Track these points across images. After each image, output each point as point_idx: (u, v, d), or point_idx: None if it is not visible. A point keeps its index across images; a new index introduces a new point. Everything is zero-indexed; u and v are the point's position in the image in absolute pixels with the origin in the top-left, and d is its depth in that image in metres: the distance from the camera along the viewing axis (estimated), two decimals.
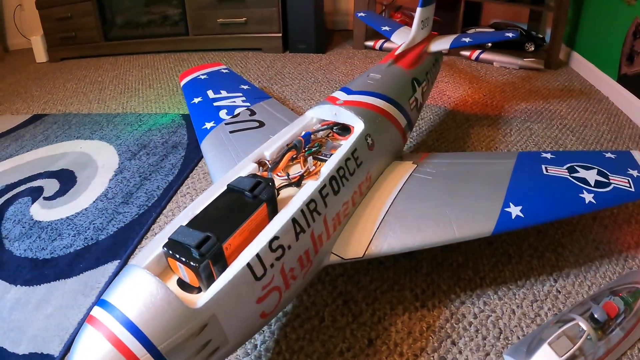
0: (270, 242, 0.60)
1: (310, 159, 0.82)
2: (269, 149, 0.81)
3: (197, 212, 0.63)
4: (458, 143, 1.40)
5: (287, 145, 0.84)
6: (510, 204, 0.81)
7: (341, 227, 0.77)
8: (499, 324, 0.84)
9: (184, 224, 0.60)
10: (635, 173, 0.88)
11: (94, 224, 1.08)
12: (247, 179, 0.66)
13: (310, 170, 0.78)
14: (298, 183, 0.75)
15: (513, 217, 0.79)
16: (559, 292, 0.89)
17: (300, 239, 0.65)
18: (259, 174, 0.74)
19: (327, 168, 0.74)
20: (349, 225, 0.78)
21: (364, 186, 0.83)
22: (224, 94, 1.20)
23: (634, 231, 1.03)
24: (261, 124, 1.10)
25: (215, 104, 1.15)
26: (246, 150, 1.00)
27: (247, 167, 0.76)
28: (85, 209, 1.13)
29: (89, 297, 0.88)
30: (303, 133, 0.87)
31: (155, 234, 1.05)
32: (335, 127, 0.91)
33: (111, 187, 1.20)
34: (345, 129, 0.90)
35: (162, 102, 1.73)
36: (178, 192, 1.19)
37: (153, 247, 0.58)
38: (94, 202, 1.15)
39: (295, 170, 0.79)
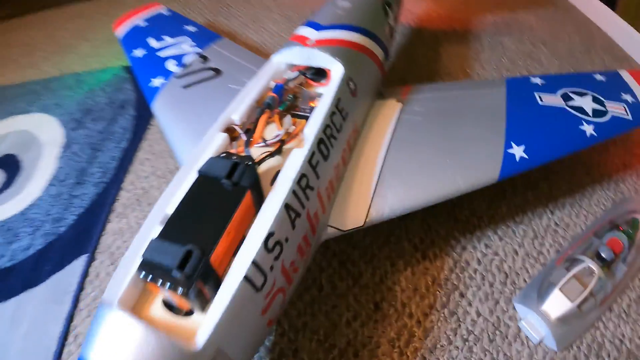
0: (266, 241, 0.48)
1: (288, 117, 0.68)
2: (236, 111, 0.66)
3: (168, 212, 0.50)
4: (430, 65, 1.27)
5: (257, 102, 0.69)
6: (512, 143, 0.72)
7: (335, 194, 0.65)
8: (503, 268, 0.78)
9: (156, 234, 0.46)
10: (628, 98, 0.80)
11: (50, 214, 0.91)
12: (221, 161, 0.52)
13: (290, 131, 0.65)
14: (279, 149, 0.62)
15: (517, 159, 0.70)
16: (558, 224, 0.84)
17: (296, 225, 0.53)
18: (233, 151, 0.60)
19: (311, 129, 0.61)
20: (342, 190, 0.67)
21: (352, 140, 0.71)
22: (168, 40, 1.00)
23: (620, 153, 0.98)
24: (218, 72, 0.93)
25: (160, 54, 0.95)
26: (206, 107, 0.84)
27: (215, 141, 0.61)
28: (38, 199, 0.95)
29: (64, 305, 0.76)
30: (274, 85, 0.72)
31: (119, 214, 0.90)
32: (308, 72, 0.76)
33: (61, 167, 1.01)
34: (319, 73, 0.75)
35: (101, 55, 1.46)
36: (135, 159, 1.02)
37: (124, 271, 0.45)
38: (46, 187, 0.97)
39: (272, 132, 0.65)
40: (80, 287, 0.79)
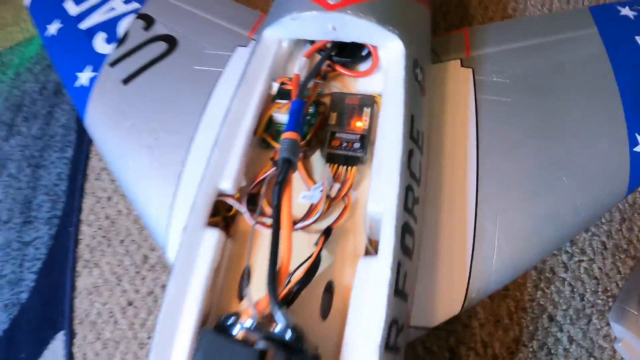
0: None
1: (319, 158, 0.39)
2: (226, 172, 0.36)
3: None
4: None
5: (255, 133, 0.39)
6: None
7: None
8: (593, 271, 0.59)
9: None
10: None
11: (4, 276, 0.63)
12: (231, 349, 0.25)
13: (332, 194, 0.36)
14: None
15: None
16: None
17: None
18: (244, 307, 0.30)
19: (385, 206, 0.33)
20: (423, 264, 0.40)
21: (427, 172, 0.43)
22: None
23: None
24: (172, 44, 0.55)
25: (82, 26, 0.57)
26: (165, 120, 0.49)
27: (204, 252, 0.32)
28: None
29: None
30: (277, 88, 0.41)
31: (87, 262, 0.63)
32: (333, 54, 0.44)
33: (0, 200, 0.68)
34: (348, 49, 0.44)
35: (24, 20, 0.97)
36: (89, 175, 0.69)
37: None
38: None
39: (295, 198, 0.36)
40: None
